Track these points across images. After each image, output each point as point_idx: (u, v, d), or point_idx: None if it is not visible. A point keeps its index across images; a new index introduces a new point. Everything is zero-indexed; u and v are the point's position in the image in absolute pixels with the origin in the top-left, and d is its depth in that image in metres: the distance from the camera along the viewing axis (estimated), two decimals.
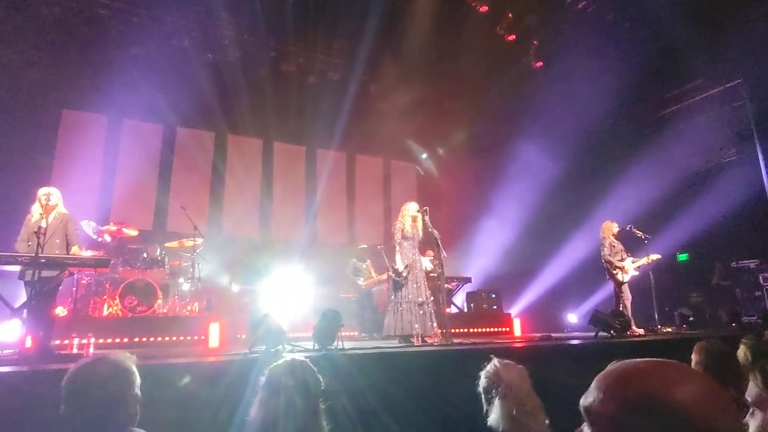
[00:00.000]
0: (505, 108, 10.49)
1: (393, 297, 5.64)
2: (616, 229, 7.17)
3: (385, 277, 7.13)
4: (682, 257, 9.88)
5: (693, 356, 2.73)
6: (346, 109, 10.17)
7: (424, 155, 12.38)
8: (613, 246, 7.04)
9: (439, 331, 5.47)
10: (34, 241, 4.21)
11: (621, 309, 6.73)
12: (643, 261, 6.95)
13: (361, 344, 5.49)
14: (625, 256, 7.02)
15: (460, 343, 5.17)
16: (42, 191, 4.68)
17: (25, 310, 4.13)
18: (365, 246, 8.31)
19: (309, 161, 11.38)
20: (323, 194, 11.21)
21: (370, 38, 9.06)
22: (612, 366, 0.87)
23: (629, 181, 9.47)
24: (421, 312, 5.51)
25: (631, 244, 7.25)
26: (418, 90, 10.78)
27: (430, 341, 5.35)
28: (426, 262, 6.40)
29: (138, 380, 1.70)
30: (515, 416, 2.03)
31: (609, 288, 7.57)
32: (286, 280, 8.64)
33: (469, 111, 10.84)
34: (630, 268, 6.91)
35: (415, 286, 5.60)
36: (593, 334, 6.21)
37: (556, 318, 10.32)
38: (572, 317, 10.37)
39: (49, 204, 4.61)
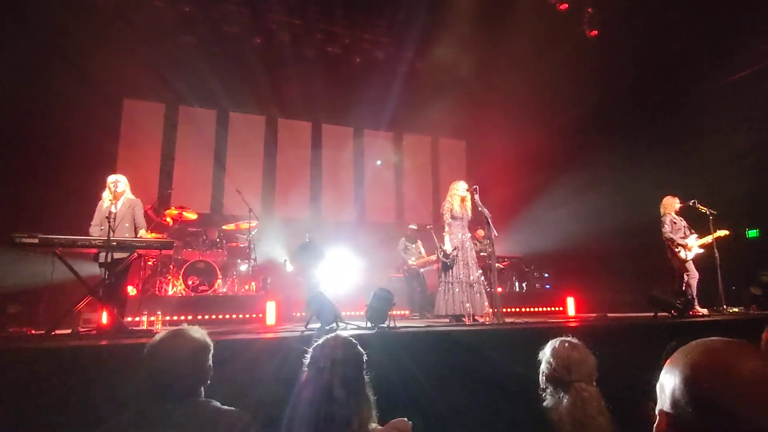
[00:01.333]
0: (558, 81, 10.06)
1: (443, 277, 5.65)
2: (677, 205, 6.79)
3: (435, 257, 7.14)
4: (752, 233, 9.23)
5: (764, 335, 2.58)
6: (393, 88, 10.12)
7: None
8: (675, 223, 6.68)
9: (491, 310, 5.45)
10: (105, 226, 4.52)
11: (685, 288, 6.42)
12: (709, 238, 6.56)
13: (413, 323, 5.56)
14: (688, 233, 6.66)
15: (512, 323, 5.14)
16: (111, 178, 5.00)
17: (100, 290, 4.47)
18: (415, 226, 8.33)
19: (357, 142, 11.46)
20: (371, 174, 11.30)
21: (416, 14, 8.91)
22: (688, 345, 0.88)
23: (692, 154, 8.90)
24: (473, 291, 5.50)
25: (696, 221, 6.86)
26: (466, 65, 10.54)
27: (481, 321, 5.34)
28: None
29: (211, 353, 1.82)
30: (581, 425, 1.94)
31: (671, 266, 7.23)
32: (338, 260, 8.85)
33: (520, 85, 10.49)
34: (694, 245, 6.56)
35: (465, 265, 5.58)
36: (652, 314, 5.98)
37: (613, 297, 9.98)
38: (631, 297, 9.98)
39: (118, 190, 4.92)
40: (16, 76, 7.10)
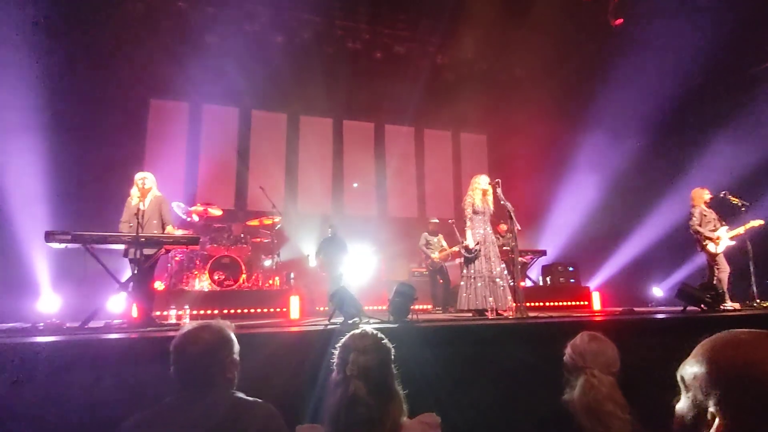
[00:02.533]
0: (582, 73, 9.86)
1: (466, 271, 5.62)
2: (707, 196, 6.59)
3: (457, 249, 7.10)
4: None
5: None
6: (414, 83, 10.08)
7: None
8: (704, 215, 6.50)
9: (514, 304, 5.40)
10: (134, 222, 4.64)
11: (715, 282, 6.24)
12: (741, 230, 6.35)
13: (435, 318, 5.55)
14: (718, 225, 6.46)
15: (535, 317, 5.08)
16: (138, 176, 5.12)
17: (130, 284, 4.59)
18: (437, 220, 8.30)
19: (378, 137, 11.47)
20: (393, 169, 11.30)
21: (437, 8, 8.84)
22: (713, 336, 0.87)
23: (723, 144, 8.61)
24: (495, 286, 5.46)
25: (728, 213, 6.65)
26: (488, 58, 10.42)
27: (504, 315, 5.31)
28: None
29: (237, 347, 1.85)
30: (593, 412, 1.90)
31: (700, 259, 7.04)
32: (360, 254, 8.90)
33: (543, 78, 10.32)
34: (724, 238, 6.37)
35: (487, 260, 5.54)
36: (680, 308, 5.83)
37: (639, 292, 9.78)
38: (657, 291, 9.77)
39: (145, 187, 5.04)
40: (49, 79, 7.33)
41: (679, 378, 0.88)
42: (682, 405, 0.87)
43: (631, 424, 1.89)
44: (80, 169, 7.81)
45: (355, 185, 10.75)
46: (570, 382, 2.06)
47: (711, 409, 0.80)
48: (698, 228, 6.46)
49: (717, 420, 0.79)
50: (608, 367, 2.02)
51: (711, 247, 6.40)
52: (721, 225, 6.46)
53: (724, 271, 6.35)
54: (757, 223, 6.33)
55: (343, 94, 10.13)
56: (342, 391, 1.66)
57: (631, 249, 9.69)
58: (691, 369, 0.85)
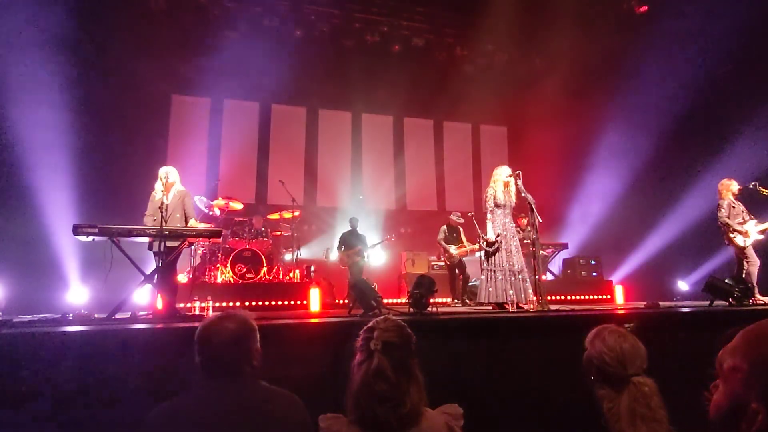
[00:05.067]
0: (604, 63, 9.64)
1: (486, 265, 5.57)
2: (736, 187, 6.37)
3: (477, 246, 7.04)
4: None
5: None
6: (433, 75, 10.00)
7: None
8: (733, 207, 6.30)
9: (535, 298, 5.35)
10: (158, 216, 4.73)
11: (745, 276, 6.07)
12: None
13: (454, 310, 5.53)
14: (747, 218, 6.27)
15: (556, 311, 5.02)
16: (162, 171, 5.20)
17: (155, 277, 4.69)
18: (457, 213, 8.25)
19: (397, 130, 11.44)
20: (412, 162, 11.28)
21: None
22: (755, 325, 0.83)
23: (751, 134, 8.32)
24: (516, 279, 5.41)
25: (757, 205, 6.44)
26: (508, 49, 10.27)
27: (525, 308, 5.26)
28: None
29: (258, 336, 1.88)
30: (640, 416, 1.86)
31: (728, 252, 6.85)
32: (380, 248, 8.92)
33: (564, 68, 10.12)
34: (752, 231, 6.18)
35: (508, 253, 5.49)
36: (707, 303, 5.70)
37: (664, 285, 9.57)
38: (683, 285, 9.55)
39: (169, 182, 5.11)
40: (74, 76, 7.50)
41: (717, 365, 0.84)
42: (721, 396, 0.83)
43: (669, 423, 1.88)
44: (106, 165, 7.98)
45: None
46: (605, 385, 1.99)
47: (753, 404, 0.76)
48: (727, 220, 6.27)
49: (760, 416, 0.75)
50: (643, 367, 1.98)
51: (739, 240, 6.21)
52: (750, 218, 6.28)
53: (754, 264, 6.16)
54: None
55: (362, 87, 10.11)
56: (366, 366, 1.69)
57: (655, 241, 9.48)
58: (731, 359, 0.81)
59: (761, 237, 6.21)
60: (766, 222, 6.20)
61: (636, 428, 1.84)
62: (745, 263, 6.21)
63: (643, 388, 1.91)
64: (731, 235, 6.26)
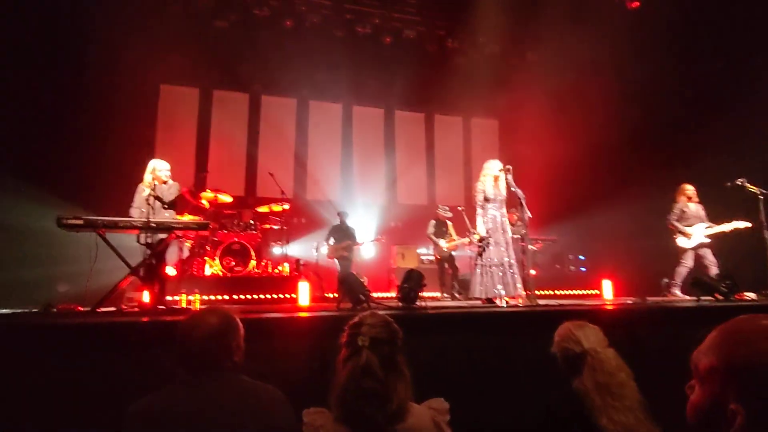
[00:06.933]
0: (598, 57, 9.64)
1: (479, 260, 5.58)
2: (690, 192, 6.92)
3: (467, 241, 7.06)
4: None
5: None
6: (424, 68, 9.96)
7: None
8: (684, 211, 6.84)
9: (524, 292, 5.38)
10: (145, 208, 4.67)
11: (674, 276, 6.77)
12: (724, 228, 6.50)
13: (443, 305, 5.55)
14: (698, 222, 6.74)
15: (545, 305, 5.06)
16: (151, 163, 5.14)
17: (141, 269, 4.64)
18: (446, 208, 8.26)
19: (387, 123, 11.40)
20: (402, 156, 11.26)
21: None
22: (729, 322, 0.81)
23: (745, 131, 8.38)
24: (506, 274, 5.42)
25: (746, 203, 6.56)
26: (499, 42, 10.25)
27: (514, 302, 5.29)
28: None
29: (242, 331, 1.86)
30: (605, 387, 1.94)
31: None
32: (369, 241, 8.91)
33: (557, 62, 10.12)
34: (698, 234, 6.67)
35: (500, 247, 5.50)
36: (695, 298, 5.78)
37: (652, 281, 9.67)
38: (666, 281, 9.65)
39: (157, 174, 5.06)
40: (60, 65, 7.36)
41: (692, 366, 0.82)
42: (698, 397, 0.81)
43: (639, 392, 1.95)
44: (92, 155, 7.86)
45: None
46: (572, 370, 2.08)
47: (732, 404, 0.74)
48: (675, 223, 6.86)
49: (739, 417, 0.73)
50: (602, 343, 2.10)
51: (680, 240, 6.79)
52: (704, 222, 6.72)
53: (684, 266, 6.77)
54: (743, 225, 6.43)
55: (353, 79, 10.05)
56: (353, 363, 1.67)
57: (643, 237, 9.55)
58: (707, 359, 0.79)
59: (707, 240, 6.64)
60: (716, 226, 6.59)
61: (607, 403, 1.88)
62: (680, 261, 6.79)
63: (598, 356, 2.02)
64: (674, 236, 6.86)
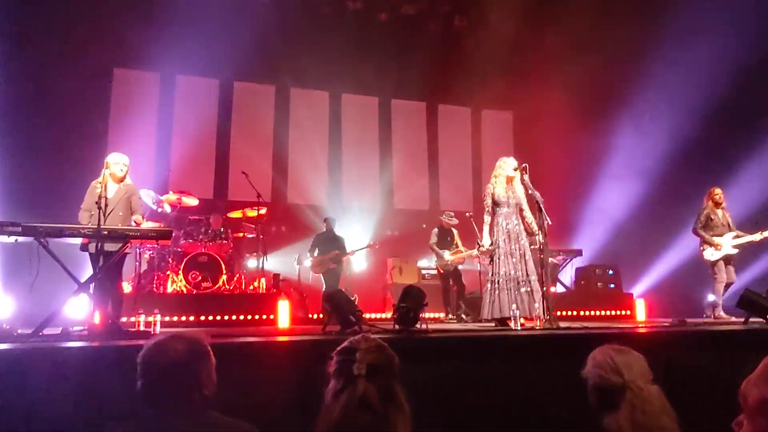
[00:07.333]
0: (625, 43, 9.73)
1: (490, 275, 5.59)
2: (718, 197, 6.99)
3: (475, 252, 7.08)
4: None
5: None
6: (426, 50, 10.01)
7: None
8: (711, 218, 6.91)
9: (542, 313, 5.39)
10: (96, 211, 4.64)
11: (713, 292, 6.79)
12: (753, 238, 6.68)
13: (447, 328, 5.56)
14: (727, 230, 6.82)
15: (567, 329, 5.08)
16: (109, 157, 5.12)
17: (91, 285, 4.61)
18: (452, 214, 8.27)
19: (383, 114, 11.43)
20: (400, 152, 11.27)
21: None
22: None
23: None
24: (521, 291, 5.44)
25: None
26: (515, 20, 10.32)
27: (530, 325, 5.30)
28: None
29: (213, 360, 1.86)
30: (639, 418, 1.94)
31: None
32: (360, 253, 8.91)
33: (580, 47, 10.21)
34: (727, 244, 6.74)
35: (514, 260, 5.52)
36: (742, 319, 5.82)
37: (692, 300, 9.73)
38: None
39: (113, 171, 5.04)
40: None
41: (741, 399, 0.84)
42: None
43: None
44: (31, 150, 7.83)
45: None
46: (606, 404, 2.07)
47: None
48: (700, 231, 6.93)
49: None
50: (644, 376, 2.05)
51: (707, 252, 6.85)
52: (731, 230, 6.83)
53: (719, 282, 6.79)
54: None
55: (343, 64, 10.07)
56: (347, 395, 1.66)
57: (682, 250, 9.62)
58: (757, 390, 0.81)
59: (734, 251, 6.77)
60: (745, 236, 6.73)
61: None
62: (714, 276, 6.83)
63: (641, 393, 1.97)
64: (701, 247, 6.94)
